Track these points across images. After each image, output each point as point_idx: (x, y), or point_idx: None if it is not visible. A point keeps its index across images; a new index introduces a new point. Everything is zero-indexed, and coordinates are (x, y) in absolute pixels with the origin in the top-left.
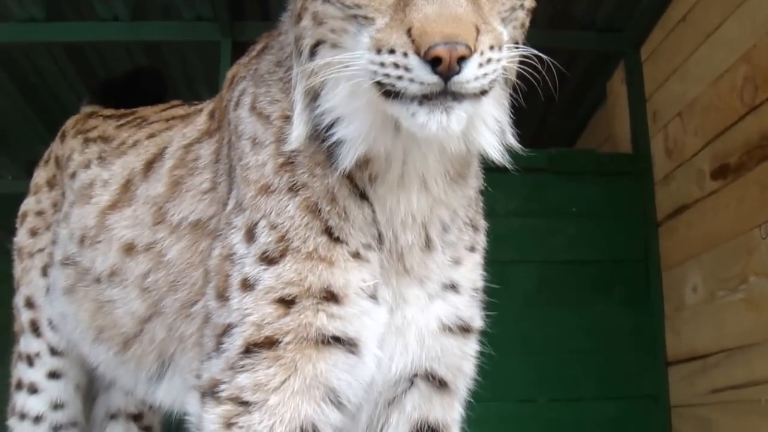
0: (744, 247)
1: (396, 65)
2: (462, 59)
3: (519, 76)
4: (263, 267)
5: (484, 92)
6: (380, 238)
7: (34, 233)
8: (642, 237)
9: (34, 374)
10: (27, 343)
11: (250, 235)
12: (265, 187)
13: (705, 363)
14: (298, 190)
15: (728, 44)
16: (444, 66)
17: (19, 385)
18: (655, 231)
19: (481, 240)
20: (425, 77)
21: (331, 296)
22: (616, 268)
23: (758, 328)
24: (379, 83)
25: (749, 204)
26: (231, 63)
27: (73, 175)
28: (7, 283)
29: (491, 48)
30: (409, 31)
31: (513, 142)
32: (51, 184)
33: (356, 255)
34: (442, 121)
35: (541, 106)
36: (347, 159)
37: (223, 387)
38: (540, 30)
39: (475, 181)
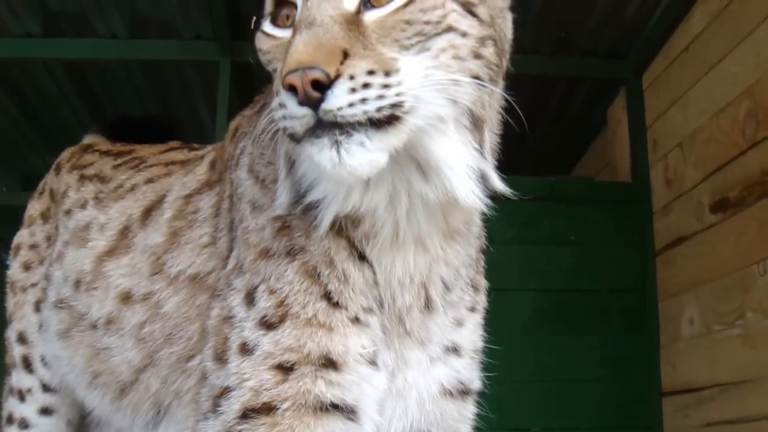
0: (742, 282)
1: (280, 105)
2: (318, 84)
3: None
4: (262, 332)
5: (379, 122)
6: (381, 300)
7: (27, 267)
8: (639, 267)
9: (26, 410)
10: (19, 379)
11: (250, 299)
12: (265, 251)
13: (700, 396)
14: (296, 254)
15: (731, 77)
16: (300, 94)
17: (10, 420)
18: (653, 261)
19: (482, 300)
20: (295, 110)
21: (330, 363)
22: (612, 297)
23: (754, 364)
24: (282, 130)
25: (748, 239)
26: (230, 83)
27: (68, 213)
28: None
29: (370, 72)
30: (282, 68)
31: (501, 187)
32: (45, 216)
33: (356, 320)
34: (333, 158)
35: (543, 132)
36: (323, 221)
37: None
38: (544, 57)
39: (477, 240)
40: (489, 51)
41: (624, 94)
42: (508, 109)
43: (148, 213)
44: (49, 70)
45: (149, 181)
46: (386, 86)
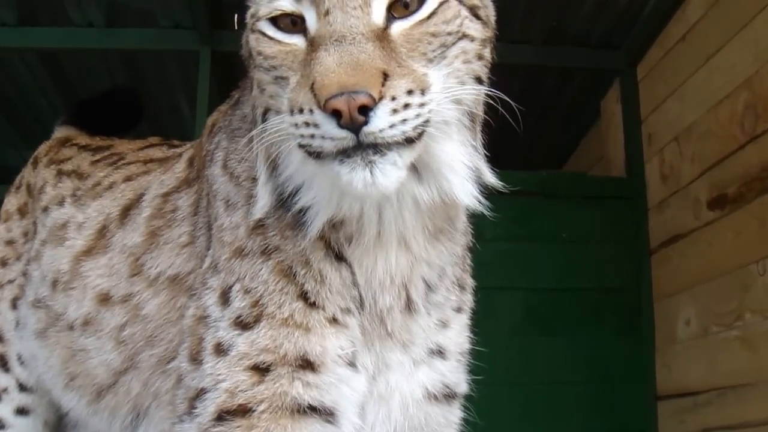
0: (740, 282)
1: (307, 124)
2: (365, 108)
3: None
4: (237, 332)
5: (411, 140)
6: (361, 301)
7: (4, 263)
8: (634, 265)
9: (2, 410)
10: None
11: (225, 299)
12: (239, 250)
13: (696, 400)
14: (271, 253)
15: (729, 69)
16: (345, 118)
17: None
18: (648, 259)
19: (468, 300)
20: (333, 132)
21: (307, 364)
22: (606, 296)
23: (753, 368)
24: (300, 145)
25: (747, 238)
26: (210, 73)
27: (45, 210)
28: None
29: (409, 92)
30: (312, 86)
31: (493, 180)
32: (22, 212)
33: (334, 320)
34: (366, 178)
35: (533, 125)
36: (314, 226)
37: None
38: (534, 47)
39: (463, 237)
40: (488, 51)
41: (618, 85)
42: (497, 100)
43: (126, 212)
44: (24, 60)
45: (128, 178)
46: (422, 105)
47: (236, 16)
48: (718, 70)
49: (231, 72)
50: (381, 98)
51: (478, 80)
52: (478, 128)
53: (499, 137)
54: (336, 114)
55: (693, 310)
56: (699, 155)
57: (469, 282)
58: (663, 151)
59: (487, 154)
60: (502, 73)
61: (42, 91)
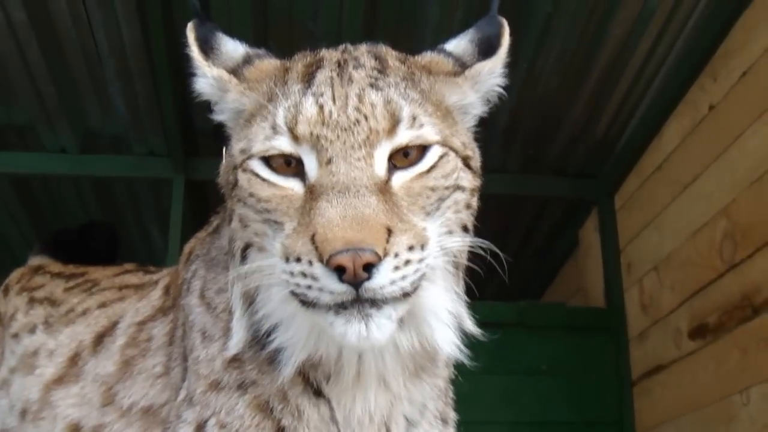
0: (724, 413)
1: (304, 274)
2: (369, 266)
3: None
4: None
5: (407, 294)
6: None
7: None
8: (616, 397)
9: None
10: None
11: None
12: (215, 383)
13: None
14: (248, 387)
15: (706, 197)
16: (349, 275)
17: None
18: (630, 391)
19: None
20: (333, 287)
21: None
22: (588, 430)
23: None
24: (293, 292)
25: (729, 367)
26: (183, 201)
27: (15, 336)
28: None
29: (410, 248)
30: (313, 237)
31: (473, 329)
32: None
33: None
34: (360, 331)
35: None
36: (288, 366)
37: None
38: (512, 175)
39: (445, 369)
40: (475, 200)
41: (596, 214)
42: (485, 250)
43: (100, 339)
44: None
45: (102, 305)
46: (421, 260)
47: (224, 149)
48: (696, 198)
49: (204, 200)
50: (385, 255)
51: (465, 229)
52: (461, 274)
53: (477, 268)
54: (339, 270)
55: None
56: (679, 284)
57: (452, 416)
58: (642, 280)
59: (467, 300)
60: (480, 201)
61: (11, 216)
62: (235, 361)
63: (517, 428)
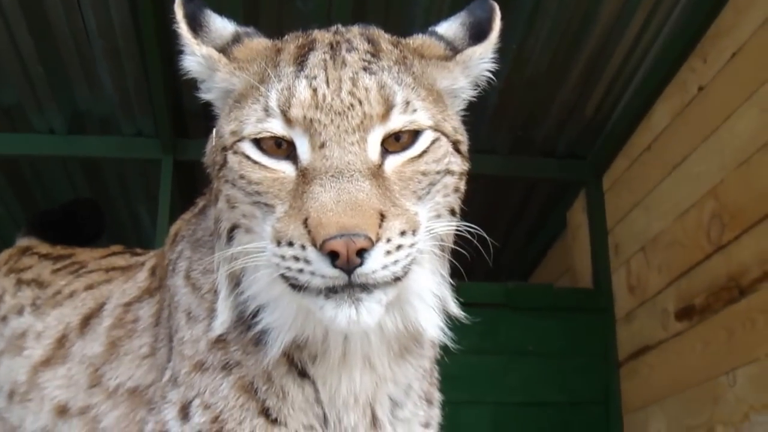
0: (711, 394)
1: (296, 258)
2: (362, 251)
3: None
4: None
5: (397, 279)
6: (325, 419)
7: None
8: (602, 378)
9: None
10: None
11: (184, 413)
12: (200, 364)
13: None
14: (232, 368)
15: (695, 178)
16: (342, 260)
17: None
18: (616, 372)
19: (436, 415)
20: (325, 271)
21: None
22: (574, 410)
23: None
24: (283, 276)
25: (716, 348)
26: (172, 182)
27: (4, 319)
28: None
29: (402, 233)
30: (305, 222)
31: (457, 312)
32: None
33: None
34: (351, 315)
35: (499, 236)
36: (274, 347)
37: None
38: (500, 157)
39: (430, 350)
40: (463, 184)
41: (584, 195)
42: (471, 234)
43: (86, 321)
44: None
45: (89, 287)
46: (413, 245)
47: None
48: (684, 179)
49: (193, 181)
50: (378, 240)
51: (452, 212)
52: (447, 257)
53: (464, 251)
54: (332, 255)
55: (663, 422)
56: (666, 265)
57: (437, 396)
58: (630, 261)
59: (452, 283)
60: (468, 182)
61: (0, 198)
62: (220, 341)
63: (504, 408)
